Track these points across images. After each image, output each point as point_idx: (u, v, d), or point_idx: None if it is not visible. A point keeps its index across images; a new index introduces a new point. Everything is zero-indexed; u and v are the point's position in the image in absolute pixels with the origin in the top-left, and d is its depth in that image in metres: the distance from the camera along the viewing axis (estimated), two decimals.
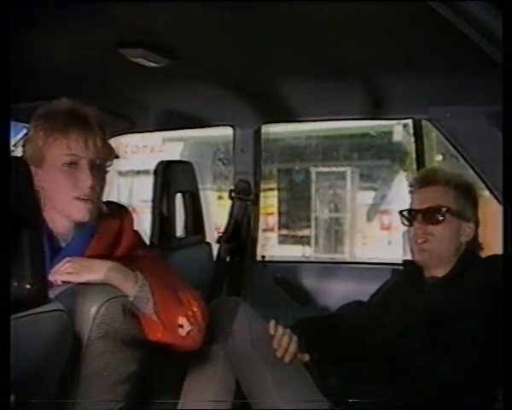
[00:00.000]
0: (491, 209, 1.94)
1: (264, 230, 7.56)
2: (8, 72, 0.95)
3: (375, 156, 8.72)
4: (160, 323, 1.38)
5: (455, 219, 1.75)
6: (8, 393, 0.92)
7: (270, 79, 2.05)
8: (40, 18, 1.41)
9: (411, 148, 2.55)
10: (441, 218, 1.75)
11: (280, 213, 9.28)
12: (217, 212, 3.90)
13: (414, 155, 2.50)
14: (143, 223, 2.34)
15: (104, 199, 1.58)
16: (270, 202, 8.76)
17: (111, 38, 1.63)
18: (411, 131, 2.46)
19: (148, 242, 2.06)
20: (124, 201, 2.02)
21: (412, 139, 2.47)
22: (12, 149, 2.04)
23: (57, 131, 1.44)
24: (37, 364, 1.06)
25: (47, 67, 1.78)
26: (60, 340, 1.13)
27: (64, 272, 1.36)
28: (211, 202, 5.26)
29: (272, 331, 1.59)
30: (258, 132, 2.55)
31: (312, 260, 8.17)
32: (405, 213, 1.82)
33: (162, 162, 2.32)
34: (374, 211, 8.84)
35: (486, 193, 2.07)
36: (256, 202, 2.57)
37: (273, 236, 8.98)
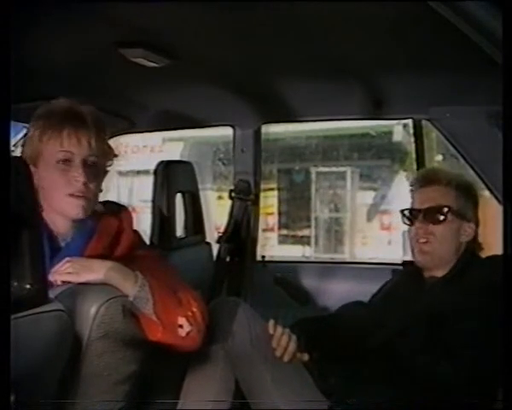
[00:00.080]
0: (491, 209, 1.94)
1: (264, 230, 7.57)
2: (8, 72, 0.95)
3: (375, 156, 8.72)
4: (159, 323, 1.37)
5: (456, 219, 1.75)
6: (8, 393, 0.92)
7: (270, 79, 2.05)
8: (40, 18, 1.41)
9: (411, 148, 2.55)
10: (442, 217, 1.75)
11: (280, 213, 9.29)
12: (217, 212, 3.91)
13: (414, 155, 2.50)
14: (143, 223, 2.35)
15: (104, 199, 1.58)
16: (270, 202, 8.76)
17: (111, 38, 1.63)
18: (411, 131, 2.46)
19: (148, 242, 2.05)
20: (124, 201, 2.03)
21: (412, 139, 2.47)
22: (12, 149, 2.04)
23: (52, 130, 1.45)
24: (37, 364, 1.06)
25: (47, 67, 1.78)
26: (60, 340, 1.13)
27: (64, 272, 1.36)
28: (211, 202, 5.27)
29: (271, 331, 1.59)
30: (258, 132, 2.55)
31: (312, 260, 8.17)
32: (406, 212, 1.82)
33: (162, 162, 2.32)
34: (374, 211, 8.85)
35: (486, 193, 2.07)
36: (256, 202, 2.57)
37: (273, 236, 8.98)
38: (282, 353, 1.58)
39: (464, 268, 1.73)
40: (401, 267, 2.05)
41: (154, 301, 1.38)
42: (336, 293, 2.39)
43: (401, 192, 6.64)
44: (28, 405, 1.00)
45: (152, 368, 1.46)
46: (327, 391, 1.59)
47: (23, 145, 1.52)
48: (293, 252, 8.65)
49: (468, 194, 1.79)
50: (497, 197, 2.02)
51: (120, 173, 8.11)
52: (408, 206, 1.83)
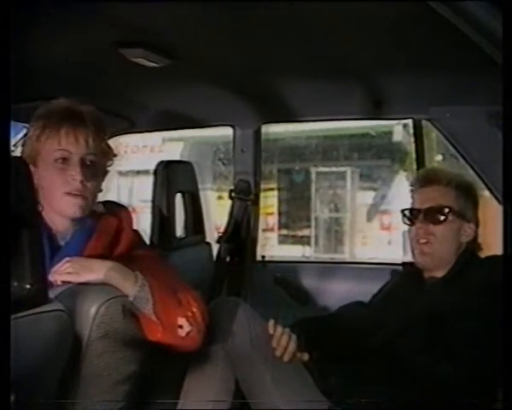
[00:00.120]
0: (491, 209, 1.94)
1: (264, 230, 7.56)
2: (8, 72, 0.95)
3: (375, 156, 8.72)
4: (159, 323, 1.37)
5: (456, 220, 1.75)
6: (8, 393, 0.92)
7: (270, 79, 2.05)
8: (40, 18, 1.41)
9: (411, 148, 2.55)
10: (443, 218, 1.75)
11: (280, 213, 9.29)
12: (217, 212, 3.90)
13: (414, 155, 2.50)
14: (143, 223, 2.34)
15: (104, 199, 1.58)
16: (270, 202, 8.76)
17: (111, 38, 1.63)
18: (411, 131, 2.46)
19: (148, 242, 2.05)
20: (124, 201, 2.03)
21: (412, 139, 2.47)
22: (12, 149, 2.04)
23: (50, 129, 1.46)
24: (37, 364, 1.06)
25: (47, 67, 1.78)
26: (60, 340, 1.13)
27: (64, 272, 1.36)
28: (211, 202, 5.27)
29: (271, 331, 1.59)
30: (258, 132, 2.55)
31: (312, 260, 8.17)
32: (407, 212, 1.82)
33: (162, 162, 2.32)
34: (374, 211, 8.85)
35: (486, 193, 2.07)
36: (256, 202, 2.57)
37: (273, 236, 8.98)
38: (282, 353, 1.58)
39: (464, 268, 1.73)
40: (401, 267, 2.05)
41: (154, 301, 1.38)
42: (336, 293, 2.39)
43: (401, 192, 6.64)
44: (28, 405, 1.00)
45: (152, 368, 1.46)
46: (327, 391, 1.59)
47: (23, 145, 1.52)
48: (293, 252, 8.64)
49: (468, 194, 1.79)
50: (497, 197, 2.01)
51: (120, 173, 8.11)
52: (408, 206, 1.83)
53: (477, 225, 1.79)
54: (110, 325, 1.27)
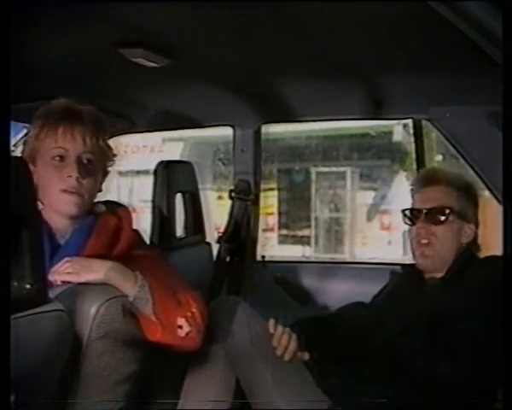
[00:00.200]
0: (491, 209, 1.94)
1: (264, 230, 7.56)
2: (8, 72, 0.95)
3: (375, 156, 8.72)
4: (158, 323, 1.37)
5: (457, 220, 1.75)
6: (8, 393, 0.92)
7: (270, 79, 2.05)
8: (40, 18, 1.41)
9: (411, 148, 2.55)
10: (444, 218, 1.75)
11: (280, 213, 9.29)
12: (217, 212, 3.90)
13: (414, 155, 2.50)
14: (143, 223, 2.34)
15: (104, 199, 1.58)
16: (270, 202, 8.76)
17: (111, 38, 1.63)
18: (411, 131, 2.46)
19: (148, 242, 2.05)
20: (124, 201, 2.02)
21: (412, 139, 2.47)
22: (12, 149, 2.04)
23: (48, 127, 1.47)
24: (37, 364, 1.06)
25: (47, 67, 1.78)
26: (60, 340, 1.13)
27: (64, 272, 1.36)
28: (211, 202, 5.27)
29: (272, 330, 1.59)
30: (258, 132, 2.55)
31: (312, 260, 8.17)
32: (407, 212, 1.82)
33: (162, 162, 2.32)
34: (374, 211, 8.85)
35: (486, 193, 2.07)
36: (256, 202, 2.57)
37: (273, 236, 8.98)
38: (283, 352, 1.58)
39: (464, 269, 1.73)
40: (401, 267, 2.05)
41: (154, 301, 1.38)
42: (336, 293, 2.39)
43: (401, 192, 6.65)
44: (28, 405, 1.00)
45: (152, 368, 1.46)
46: (327, 391, 1.59)
47: (24, 144, 1.53)
48: (293, 252, 8.65)
49: (468, 194, 1.79)
50: (497, 197, 2.01)
51: (120, 173, 8.11)
52: (408, 206, 1.83)
53: (477, 225, 1.79)
54: (110, 325, 1.27)
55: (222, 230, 2.58)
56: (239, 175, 2.56)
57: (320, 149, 8.93)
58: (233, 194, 2.55)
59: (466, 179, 1.86)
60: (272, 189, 9.01)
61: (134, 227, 1.58)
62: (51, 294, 1.13)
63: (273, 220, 9.07)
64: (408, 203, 1.84)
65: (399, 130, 7.73)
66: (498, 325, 0.99)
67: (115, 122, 2.35)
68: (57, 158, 1.46)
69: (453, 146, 2.14)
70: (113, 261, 1.39)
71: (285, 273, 2.58)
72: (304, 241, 9.01)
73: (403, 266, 1.99)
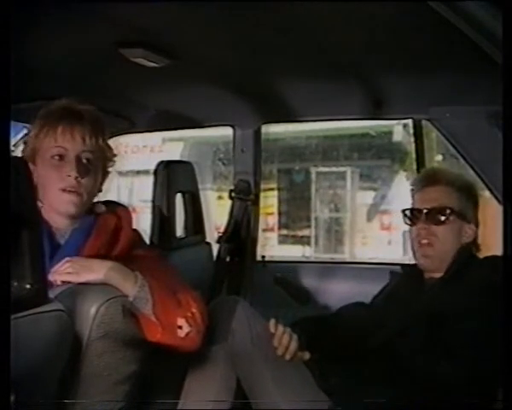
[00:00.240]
0: (491, 209, 1.94)
1: (264, 230, 7.57)
2: (8, 72, 0.95)
3: (375, 156, 8.73)
4: (158, 324, 1.37)
5: (457, 220, 1.75)
6: (8, 393, 0.92)
7: (270, 79, 2.05)
8: (40, 18, 1.41)
9: (411, 148, 2.55)
10: (444, 218, 1.75)
11: (280, 213, 9.29)
12: (217, 212, 3.90)
13: (414, 155, 2.50)
14: (143, 223, 2.34)
15: (104, 199, 1.58)
16: (270, 202, 8.76)
17: (111, 38, 1.63)
18: (411, 131, 2.46)
19: (148, 242, 2.06)
20: (124, 201, 2.02)
21: (412, 139, 2.47)
22: (12, 149, 2.04)
23: (48, 127, 1.47)
24: (37, 364, 1.06)
25: (47, 67, 1.78)
26: (60, 340, 1.13)
27: (64, 272, 1.36)
28: (211, 202, 5.27)
29: (273, 330, 1.59)
30: (258, 132, 2.55)
31: (312, 260, 8.17)
32: (408, 212, 1.82)
33: (162, 162, 2.32)
34: (374, 211, 8.85)
35: (486, 193, 2.07)
36: (256, 202, 2.57)
37: (273, 236, 8.98)
38: (284, 352, 1.58)
39: (464, 269, 1.72)
40: (401, 267, 2.05)
41: (154, 301, 1.38)
42: (336, 293, 2.39)
43: (401, 192, 6.65)
44: (28, 405, 1.00)
45: (152, 368, 1.46)
46: (327, 391, 1.59)
47: (24, 144, 1.53)
48: (293, 252, 8.65)
49: (469, 194, 1.79)
50: (497, 197, 2.01)
51: (120, 173, 8.11)
52: (409, 206, 1.83)
53: (477, 225, 1.79)
54: (110, 325, 1.27)
55: (222, 230, 2.58)
56: (239, 175, 2.56)
57: (320, 149, 8.93)
58: (233, 194, 2.55)
59: (466, 179, 1.86)
60: (272, 189, 9.02)
61: (134, 227, 1.58)
62: (51, 294, 1.13)
63: (273, 220, 9.07)
64: (408, 203, 1.84)
65: (399, 130, 7.73)
66: (498, 325, 0.99)
67: (115, 122, 2.35)
68: (57, 157, 1.46)
69: (453, 146, 2.14)
70: (113, 261, 1.39)
71: (285, 273, 2.58)
72: (304, 241, 9.01)
73: (403, 266, 2.00)
